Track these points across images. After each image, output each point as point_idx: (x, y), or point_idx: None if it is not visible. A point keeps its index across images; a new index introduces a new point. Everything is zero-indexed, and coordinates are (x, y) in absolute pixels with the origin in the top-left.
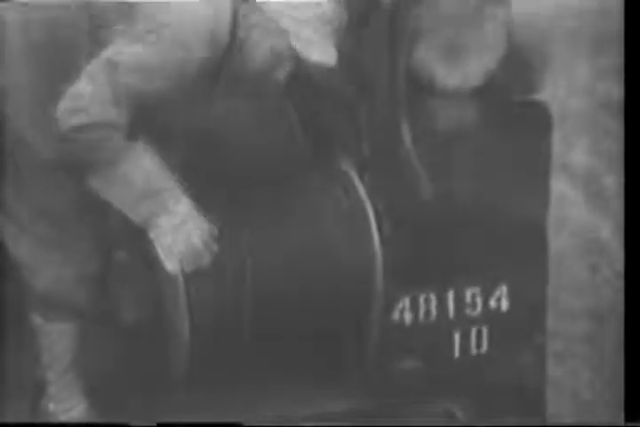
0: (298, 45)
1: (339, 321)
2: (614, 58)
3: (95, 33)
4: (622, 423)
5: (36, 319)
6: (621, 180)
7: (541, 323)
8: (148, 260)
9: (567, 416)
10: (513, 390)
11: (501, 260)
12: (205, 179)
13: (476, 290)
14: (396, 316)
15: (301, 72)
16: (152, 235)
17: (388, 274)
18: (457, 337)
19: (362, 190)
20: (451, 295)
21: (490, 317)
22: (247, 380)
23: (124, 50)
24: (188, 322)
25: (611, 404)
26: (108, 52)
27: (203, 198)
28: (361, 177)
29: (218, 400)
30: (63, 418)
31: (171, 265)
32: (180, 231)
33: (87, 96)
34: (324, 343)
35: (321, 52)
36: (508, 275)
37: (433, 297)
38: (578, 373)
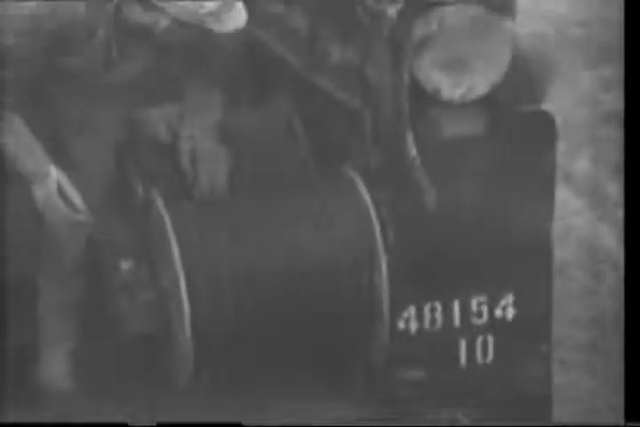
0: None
1: (344, 330)
2: (617, 68)
3: None
4: (622, 423)
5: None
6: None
7: (547, 331)
8: (153, 270)
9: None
10: (519, 399)
11: (507, 268)
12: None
13: (482, 299)
14: (401, 325)
15: (307, 83)
16: None
17: (393, 283)
18: (463, 346)
19: (367, 199)
20: (456, 304)
21: (496, 325)
22: (250, 387)
23: None
24: (190, 330)
25: (615, 410)
26: None
27: (206, 204)
28: (366, 186)
29: (221, 407)
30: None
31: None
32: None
33: None
34: (329, 352)
35: (227, 20)
36: (513, 283)
37: (439, 306)
38: (582, 380)
